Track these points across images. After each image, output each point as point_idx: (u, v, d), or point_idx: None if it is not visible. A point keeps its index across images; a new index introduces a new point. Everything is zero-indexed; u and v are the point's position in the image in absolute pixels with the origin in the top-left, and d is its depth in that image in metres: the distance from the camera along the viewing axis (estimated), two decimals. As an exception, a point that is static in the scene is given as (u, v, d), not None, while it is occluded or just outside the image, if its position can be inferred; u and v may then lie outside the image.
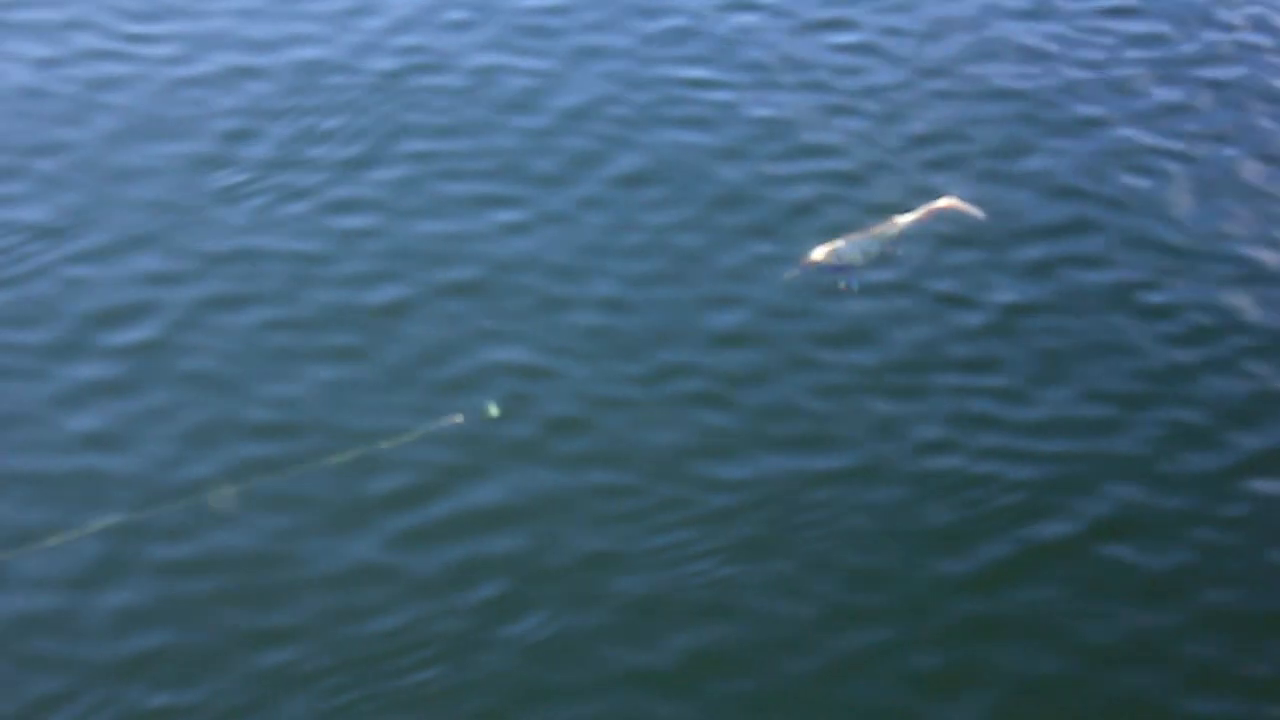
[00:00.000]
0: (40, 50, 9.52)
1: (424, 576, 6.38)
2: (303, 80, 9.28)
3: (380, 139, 8.80)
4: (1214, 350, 7.65)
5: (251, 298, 7.70)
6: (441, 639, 6.14)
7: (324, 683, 5.98)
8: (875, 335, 7.65)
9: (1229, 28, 10.29)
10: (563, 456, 6.94)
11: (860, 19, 10.18)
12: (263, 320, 7.58)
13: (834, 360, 7.50)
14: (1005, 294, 7.94)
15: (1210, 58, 9.95)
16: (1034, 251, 8.23)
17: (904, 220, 8.25)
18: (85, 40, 9.63)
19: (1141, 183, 8.76)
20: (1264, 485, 6.98)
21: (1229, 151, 9.08)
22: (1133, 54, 9.94)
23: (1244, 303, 7.96)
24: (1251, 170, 8.95)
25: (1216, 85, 9.68)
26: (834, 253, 7.98)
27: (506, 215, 8.30)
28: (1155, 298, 7.97)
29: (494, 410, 7.00)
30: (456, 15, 10.02)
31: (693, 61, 9.65)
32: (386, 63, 9.50)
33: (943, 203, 8.41)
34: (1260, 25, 10.35)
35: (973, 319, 7.79)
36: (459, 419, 6.95)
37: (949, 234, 8.30)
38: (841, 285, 7.84)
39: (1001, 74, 9.70)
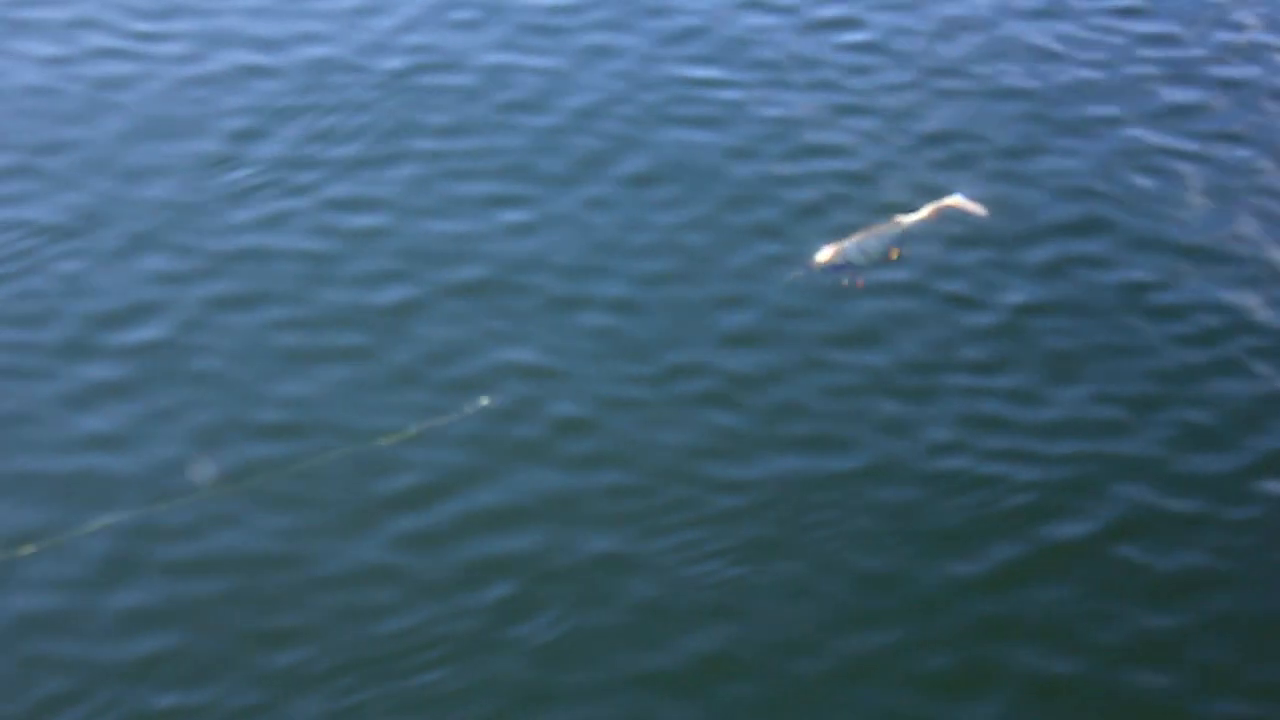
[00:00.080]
0: (49, 49, 9.52)
1: (432, 577, 6.37)
2: (312, 79, 9.28)
3: (389, 138, 8.80)
4: (1225, 351, 7.63)
5: (260, 297, 7.69)
6: (450, 640, 6.13)
7: (333, 683, 5.97)
8: (885, 336, 7.63)
9: (1240, 27, 10.25)
10: (571, 457, 6.93)
11: (870, 18, 10.16)
12: (271, 320, 7.57)
13: (844, 361, 7.48)
14: (1015, 294, 7.92)
15: (1221, 57, 9.92)
16: (1044, 252, 8.20)
17: (908, 220, 8.23)
18: (94, 39, 9.63)
19: (1152, 183, 8.73)
20: (1275, 487, 6.95)
21: (1240, 152, 9.05)
22: (1144, 53, 9.91)
23: (1255, 304, 7.93)
24: (1263, 170, 8.91)
25: (1228, 85, 9.65)
26: (839, 253, 7.97)
27: (515, 215, 8.28)
28: (1166, 298, 7.94)
29: (484, 400, 7.03)
30: (465, 14, 10.01)
31: (702, 61, 9.64)
32: (395, 62, 9.49)
33: (947, 201, 8.39)
34: (1272, 25, 10.31)
35: (983, 319, 7.77)
36: (485, 401, 6.98)
37: (959, 234, 8.27)
38: (844, 282, 7.82)
39: (1012, 73, 9.67)
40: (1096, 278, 8.07)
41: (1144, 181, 8.74)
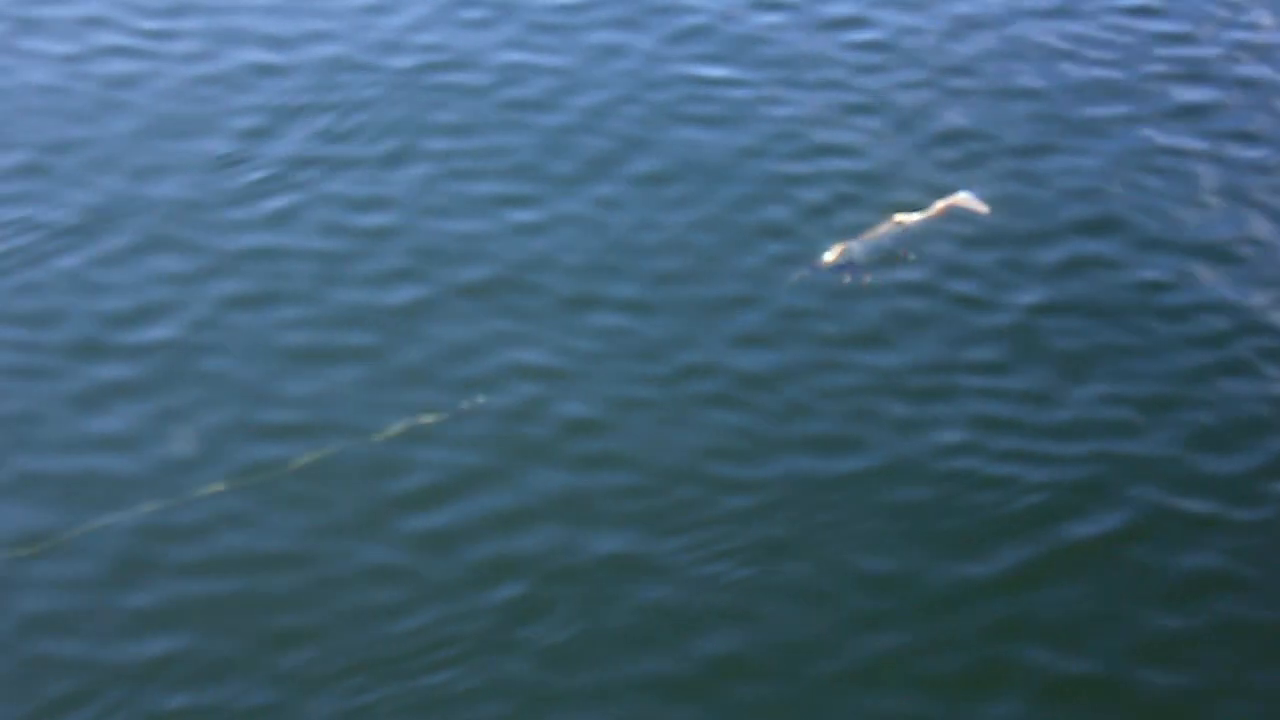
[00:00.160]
0: (58, 48, 9.52)
1: (442, 577, 6.36)
2: (322, 78, 9.27)
3: (399, 137, 8.79)
4: (1238, 352, 7.60)
5: (270, 296, 7.69)
6: (461, 641, 6.12)
7: (343, 683, 5.97)
8: (896, 336, 7.61)
9: (1255, 27, 10.22)
10: (581, 457, 6.91)
11: (880, 17, 10.13)
12: (281, 319, 7.56)
13: (855, 361, 7.46)
14: (1026, 295, 7.89)
15: (1235, 56, 9.88)
16: (1056, 252, 8.18)
17: (913, 219, 8.20)
18: (103, 37, 9.63)
19: (1165, 183, 8.70)
20: (1288, 488, 6.94)
21: (1254, 152, 9.02)
22: (1157, 53, 9.88)
23: (1269, 304, 7.90)
24: (1277, 170, 8.88)
25: (1242, 84, 9.62)
26: (845, 253, 7.95)
27: (525, 214, 8.27)
28: (1179, 299, 7.91)
29: (481, 399, 7.02)
30: (476, 13, 10.00)
31: (712, 60, 9.62)
32: (406, 60, 9.48)
33: (953, 200, 8.36)
34: (1284, 24, 10.30)
35: (993, 320, 7.74)
36: (483, 400, 6.98)
37: (969, 234, 8.25)
38: (846, 279, 7.81)
39: (1023, 73, 9.64)
40: (1108, 278, 8.04)
41: (1156, 181, 8.71)
